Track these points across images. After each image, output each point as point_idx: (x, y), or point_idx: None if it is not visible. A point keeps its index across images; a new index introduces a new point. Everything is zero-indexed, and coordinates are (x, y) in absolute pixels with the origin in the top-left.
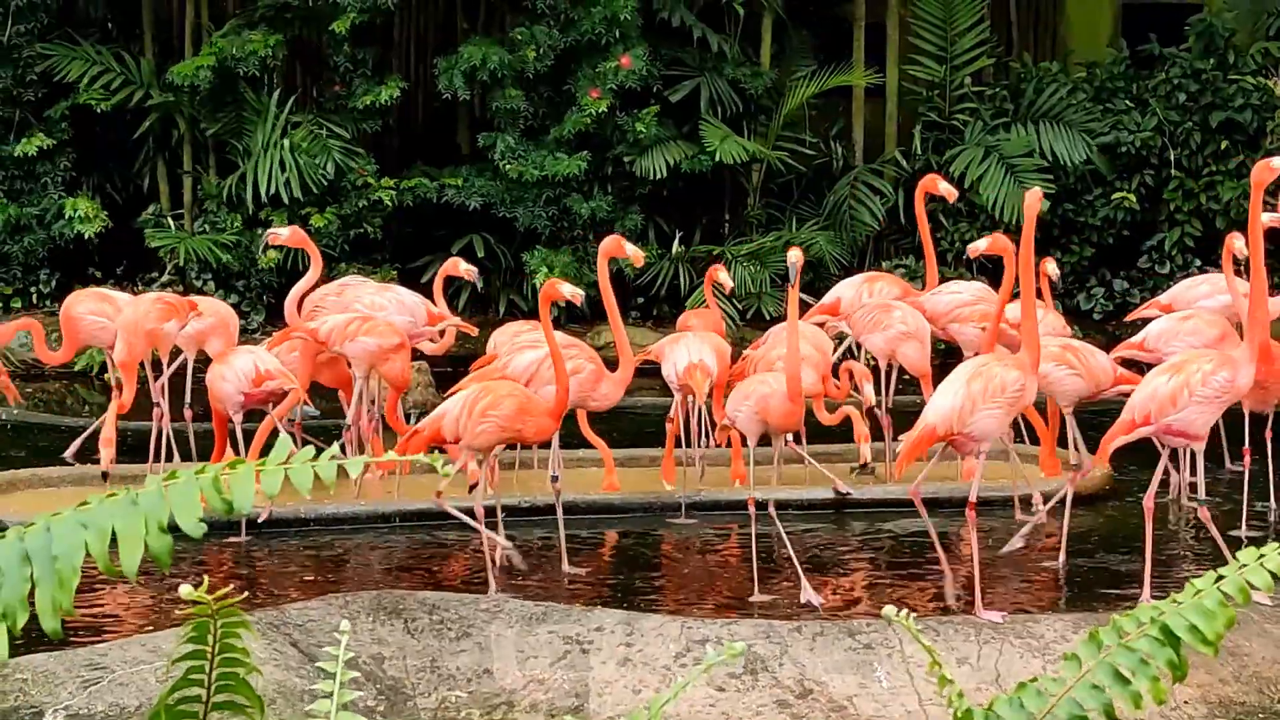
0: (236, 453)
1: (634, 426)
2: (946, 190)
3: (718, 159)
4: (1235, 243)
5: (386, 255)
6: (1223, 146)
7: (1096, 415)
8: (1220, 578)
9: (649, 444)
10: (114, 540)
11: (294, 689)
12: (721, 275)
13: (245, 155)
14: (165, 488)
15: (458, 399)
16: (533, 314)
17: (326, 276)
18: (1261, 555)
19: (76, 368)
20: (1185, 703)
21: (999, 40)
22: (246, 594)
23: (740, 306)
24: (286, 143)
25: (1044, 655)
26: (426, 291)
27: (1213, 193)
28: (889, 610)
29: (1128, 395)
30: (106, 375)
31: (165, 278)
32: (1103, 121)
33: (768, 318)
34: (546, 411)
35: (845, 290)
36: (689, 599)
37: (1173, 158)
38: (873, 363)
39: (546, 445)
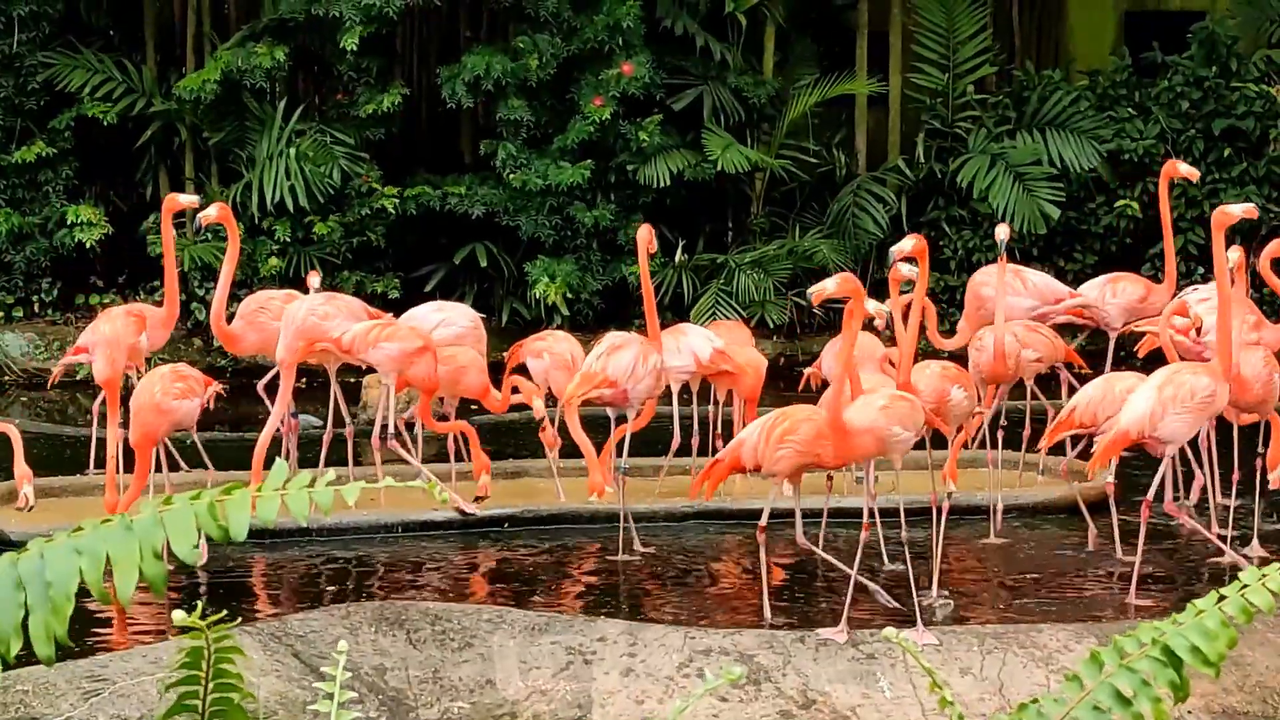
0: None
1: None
2: (1188, 171)
3: (720, 168)
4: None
5: (389, 263)
6: (1225, 154)
7: None
8: (1222, 598)
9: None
10: (109, 566)
11: (296, 700)
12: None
13: (249, 164)
14: (161, 514)
15: (755, 426)
16: (535, 323)
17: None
18: (1263, 575)
19: (78, 376)
20: (1189, 713)
21: (1001, 48)
22: (243, 610)
23: (745, 315)
24: (292, 151)
25: (1047, 665)
26: (428, 299)
27: (1215, 200)
28: (889, 631)
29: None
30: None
31: None
32: (1106, 129)
33: (772, 326)
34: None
35: (1089, 290)
36: (698, 609)
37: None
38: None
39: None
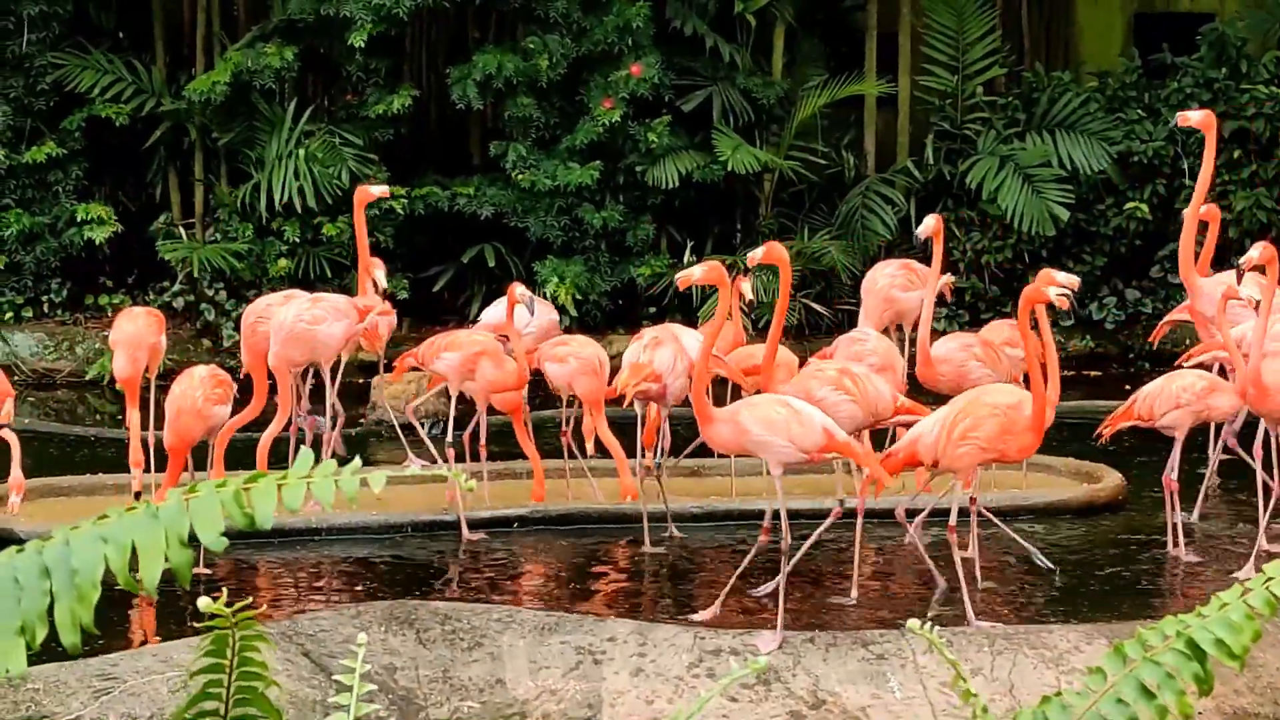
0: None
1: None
2: None
3: (730, 168)
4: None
5: (398, 264)
6: (1235, 156)
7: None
8: (1246, 590)
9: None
10: (134, 554)
11: (306, 699)
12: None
13: (258, 165)
14: (186, 501)
15: (934, 421)
16: None
17: (335, 286)
18: None
19: (88, 376)
20: (1200, 714)
21: (1011, 50)
22: (261, 605)
23: (753, 316)
24: (301, 152)
25: (1057, 666)
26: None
27: (1225, 202)
28: (913, 623)
29: (908, 425)
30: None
31: (177, 287)
32: (1116, 131)
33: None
34: (1027, 428)
35: (1212, 288)
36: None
37: (1185, 167)
38: None
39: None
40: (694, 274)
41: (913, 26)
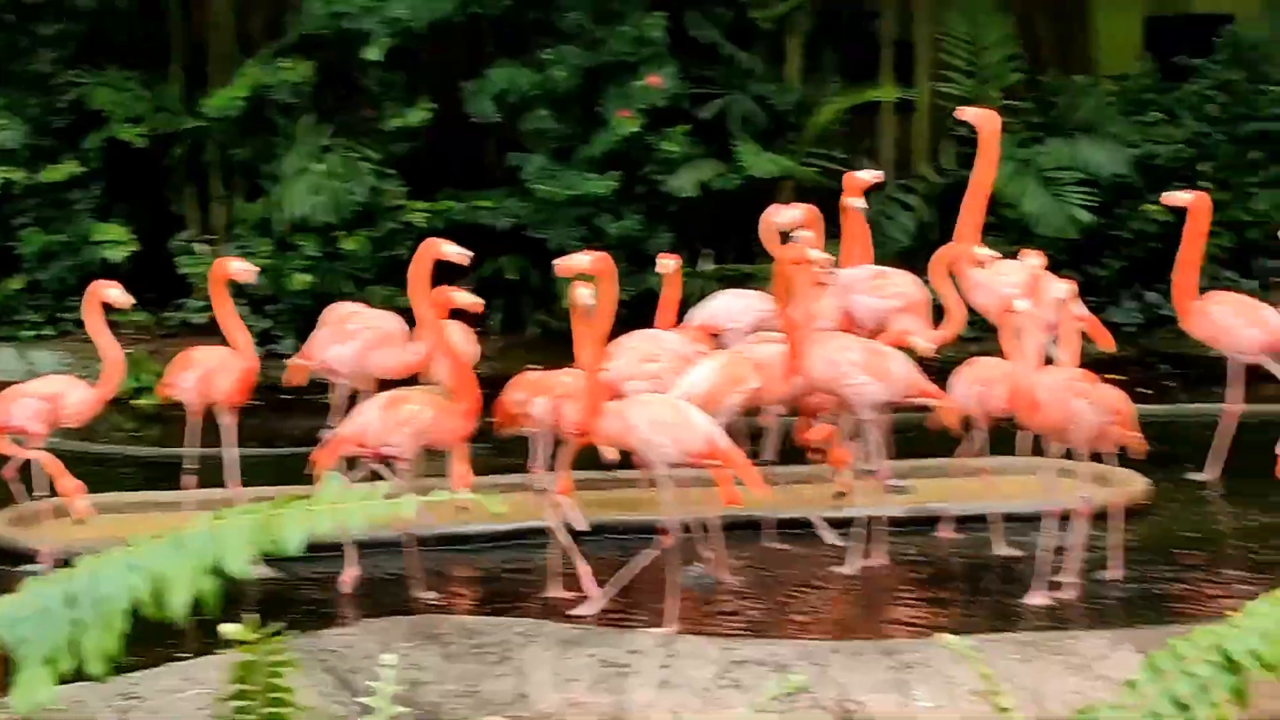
0: None
1: None
2: None
3: (751, 173)
4: None
5: None
6: (1253, 158)
7: None
8: None
9: None
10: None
11: (330, 715)
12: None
13: (276, 180)
14: (213, 528)
15: None
16: (564, 335)
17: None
18: None
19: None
20: None
21: (1027, 55)
22: (287, 629)
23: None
24: (320, 167)
25: (1083, 673)
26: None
27: (1244, 204)
28: (945, 636)
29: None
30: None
31: (198, 303)
32: (1135, 134)
33: None
34: None
35: None
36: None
37: (1206, 170)
38: None
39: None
40: (578, 262)
41: (929, 34)
